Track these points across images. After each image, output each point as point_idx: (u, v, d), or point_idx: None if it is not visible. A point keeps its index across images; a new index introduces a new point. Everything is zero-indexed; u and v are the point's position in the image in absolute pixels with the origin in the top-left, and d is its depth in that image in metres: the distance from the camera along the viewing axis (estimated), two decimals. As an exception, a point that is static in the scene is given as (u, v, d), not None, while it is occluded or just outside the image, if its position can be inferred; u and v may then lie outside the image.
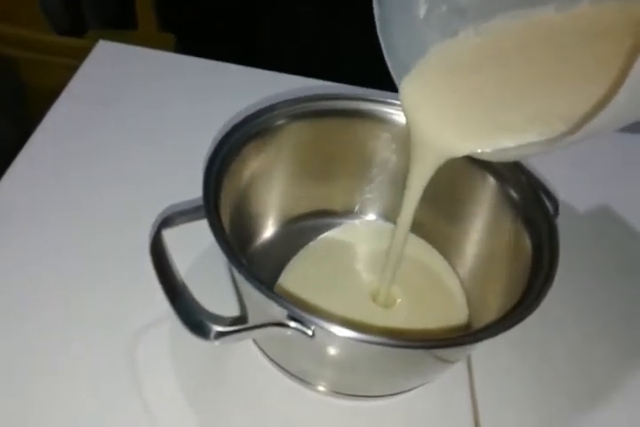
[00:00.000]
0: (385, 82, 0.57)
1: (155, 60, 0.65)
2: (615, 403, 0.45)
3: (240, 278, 0.36)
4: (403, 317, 0.45)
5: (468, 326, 0.46)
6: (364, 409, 0.43)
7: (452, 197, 0.47)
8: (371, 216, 0.52)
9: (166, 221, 0.38)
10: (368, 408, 0.43)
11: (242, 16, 0.81)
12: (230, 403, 0.42)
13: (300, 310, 0.34)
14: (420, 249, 0.50)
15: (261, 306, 0.36)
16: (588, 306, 0.50)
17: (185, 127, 0.59)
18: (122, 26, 0.96)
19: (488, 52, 0.38)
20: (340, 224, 0.51)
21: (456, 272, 0.49)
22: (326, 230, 0.51)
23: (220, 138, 0.41)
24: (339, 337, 0.33)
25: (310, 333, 0.34)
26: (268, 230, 0.50)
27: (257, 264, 0.47)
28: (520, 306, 0.36)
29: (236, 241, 0.37)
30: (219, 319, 0.35)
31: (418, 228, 0.48)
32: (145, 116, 0.59)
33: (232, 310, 0.45)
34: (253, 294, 0.35)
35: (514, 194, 0.43)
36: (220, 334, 0.34)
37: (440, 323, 0.45)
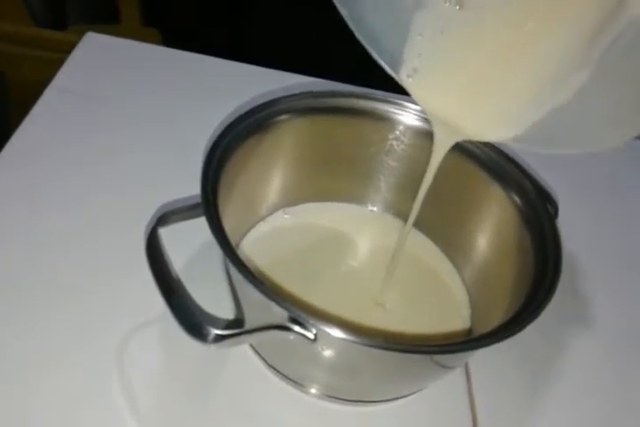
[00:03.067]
0: (374, 80, 0.57)
1: (144, 52, 0.63)
2: (614, 411, 0.45)
3: (239, 279, 0.34)
4: (403, 320, 0.44)
5: (470, 329, 0.45)
6: (358, 414, 0.42)
7: (458, 201, 0.47)
8: (371, 210, 0.51)
9: (162, 219, 0.37)
10: (362, 413, 0.42)
11: (227, 12, 0.80)
12: (222, 405, 0.41)
13: (305, 313, 0.32)
14: (425, 249, 0.49)
15: (261, 308, 0.35)
16: (587, 312, 0.50)
17: (178, 122, 0.57)
18: (105, 20, 0.94)
19: (472, 24, 0.34)
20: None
21: (460, 274, 0.48)
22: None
23: (218, 133, 0.40)
24: (343, 342, 0.32)
25: (312, 336, 0.33)
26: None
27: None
28: (524, 311, 0.36)
29: (233, 238, 0.36)
30: (217, 322, 0.34)
31: (424, 229, 0.49)
32: (136, 110, 0.57)
33: (226, 314, 0.43)
34: (253, 296, 0.34)
35: (517, 198, 0.42)
36: (219, 338, 0.33)
37: (442, 327, 0.45)
